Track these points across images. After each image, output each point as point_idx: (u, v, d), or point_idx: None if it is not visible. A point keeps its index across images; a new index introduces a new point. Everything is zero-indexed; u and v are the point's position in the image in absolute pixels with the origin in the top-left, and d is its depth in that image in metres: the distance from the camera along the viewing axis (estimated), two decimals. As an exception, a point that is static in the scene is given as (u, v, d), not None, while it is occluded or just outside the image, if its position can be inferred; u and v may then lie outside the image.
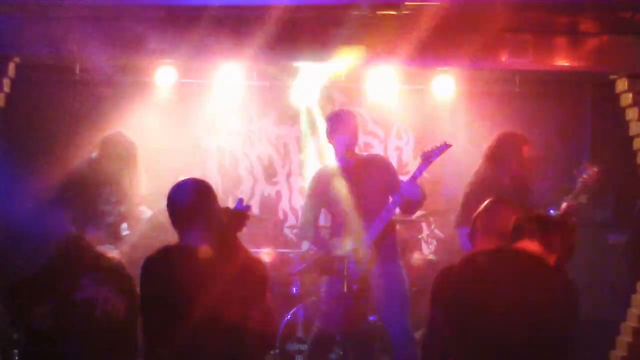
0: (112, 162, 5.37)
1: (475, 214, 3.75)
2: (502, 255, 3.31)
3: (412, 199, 4.90)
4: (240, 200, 3.65)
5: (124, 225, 5.41)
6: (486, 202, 3.77)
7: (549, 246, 3.25)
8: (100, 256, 3.92)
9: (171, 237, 3.78)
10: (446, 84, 6.33)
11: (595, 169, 5.15)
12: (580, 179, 5.13)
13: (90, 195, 5.30)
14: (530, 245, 3.26)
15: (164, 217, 5.44)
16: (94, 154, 5.43)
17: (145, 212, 5.47)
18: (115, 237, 5.26)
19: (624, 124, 5.94)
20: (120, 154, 5.39)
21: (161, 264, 3.48)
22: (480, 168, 5.13)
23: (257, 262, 3.64)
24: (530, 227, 3.28)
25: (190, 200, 3.50)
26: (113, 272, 3.87)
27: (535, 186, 5.22)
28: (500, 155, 5.06)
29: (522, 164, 5.07)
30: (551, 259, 3.26)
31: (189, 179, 3.69)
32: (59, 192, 5.35)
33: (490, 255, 3.35)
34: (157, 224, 5.45)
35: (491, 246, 3.58)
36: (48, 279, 3.74)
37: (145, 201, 5.50)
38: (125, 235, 5.36)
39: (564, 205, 5.07)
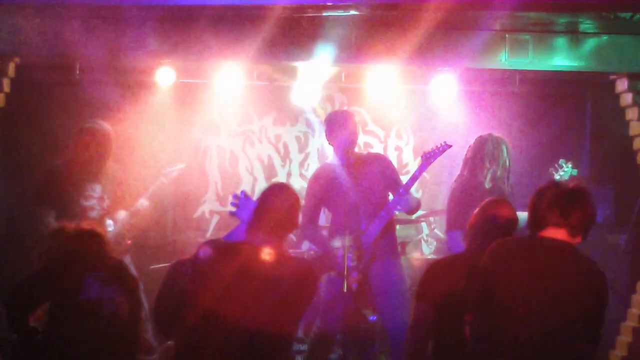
0: (89, 156, 5.34)
1: (473, 214, 3.76)
2: (531, 245, 3.26)
3: (404, 211, 4.93)
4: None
5: (109, 222, 5.39)
6: (484, 202, 3.79)
7: (573, 230, 3.21)
8: (105, 254, 3.91)
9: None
10: (446, 84, 6.33)
11: (570, 164, 5.17)
12: (557, 177, 5.15)
13: (70, 192, 5.28)
14: (556, 234, 3.21)
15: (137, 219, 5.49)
16: (71, 150, 5.41)
17: (143, 203, 5.47)
18: None
19: (624, 124, 5.94)
20: (95, 148, 5.34)
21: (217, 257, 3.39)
22: (461, 172, 5.15)
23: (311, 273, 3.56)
24: (552, 217, 3.21)
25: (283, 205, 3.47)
26: (118, 271, 3.86)
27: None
28: (478, 158, 5.06)
29: (502, 166, 5.06)
30: (577, 241, 3.24)
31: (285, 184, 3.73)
32: (39, 191, 5.34)
33: (519, 244, 3.32)
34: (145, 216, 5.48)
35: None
36: (51, 278, 3.73)
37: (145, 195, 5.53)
38: (110, 231, 5.33)
39: None
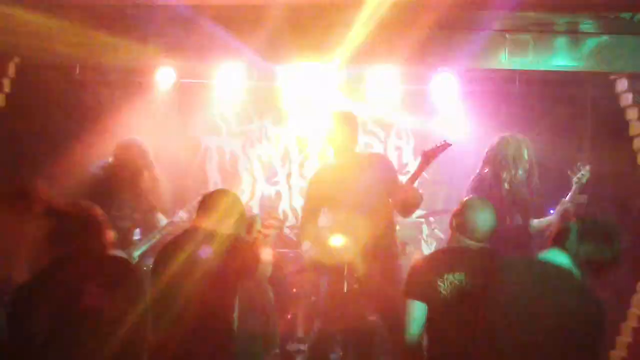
0: (126, 168, 5.41)
1: (452, 212, 3.80)
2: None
3: (409, 201, 4.93)
4: None
5: (136, 231, 5.45)
6: (463, 201, 3.81)
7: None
8: (107, 258, 3.86)
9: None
10: (446, 84, 6.33)
11: (588, 167, 5.14)
12: (575, 179, 5.11)
13: (102, 200, 5.29)
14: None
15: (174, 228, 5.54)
16: (109, 159, 5.47)
17: (162, 220, 5.51)
18: (126, 241, 5.29)
19: (624, 124, 5.94)
20: (135, 161, 5.43)
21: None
22: (480, 171, 5.12)
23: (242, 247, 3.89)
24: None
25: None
26: (120, 275, 3.78)
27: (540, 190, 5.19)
28: (498, 159, 5.02)
29: (523, 168, 5.03)
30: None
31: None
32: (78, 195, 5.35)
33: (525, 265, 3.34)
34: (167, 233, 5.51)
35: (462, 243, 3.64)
36: (50, 284, 3.65)
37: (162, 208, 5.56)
38: (136, 239, 5.39)
39: (559, 210, 5.05)
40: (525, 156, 5.01)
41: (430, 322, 3.66)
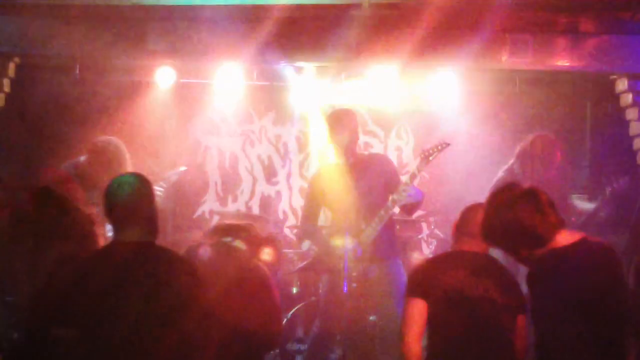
0: (99, 168, 5.38)
1: (454, 224, 3.83)
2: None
3: (413, 202, 4.93)
4: None
5: (109, 227, 5.43)
6: (465, 207, 3.84)
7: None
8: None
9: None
10: (447, 84, 6.32)
11: (627, 179, 5.19)
12: (608, 189, 5.17)
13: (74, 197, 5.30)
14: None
15: None
16: (82, 158, 5.45)
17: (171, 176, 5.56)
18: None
19: (624, 124, 5.94)
20: (109, 160, 5.40)
21: None
22: (510, 165, 5.19)
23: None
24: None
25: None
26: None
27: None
28: (528, 155, 5.10)
29: (551, 168, 5.10)
30: None
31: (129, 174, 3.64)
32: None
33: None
34: None
35: (463, 246, 3.66)
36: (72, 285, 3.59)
37: None
38: (110, 236, 5.38)
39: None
40: (556, 156, 5.12)
41: (432, 321, 3.66)
